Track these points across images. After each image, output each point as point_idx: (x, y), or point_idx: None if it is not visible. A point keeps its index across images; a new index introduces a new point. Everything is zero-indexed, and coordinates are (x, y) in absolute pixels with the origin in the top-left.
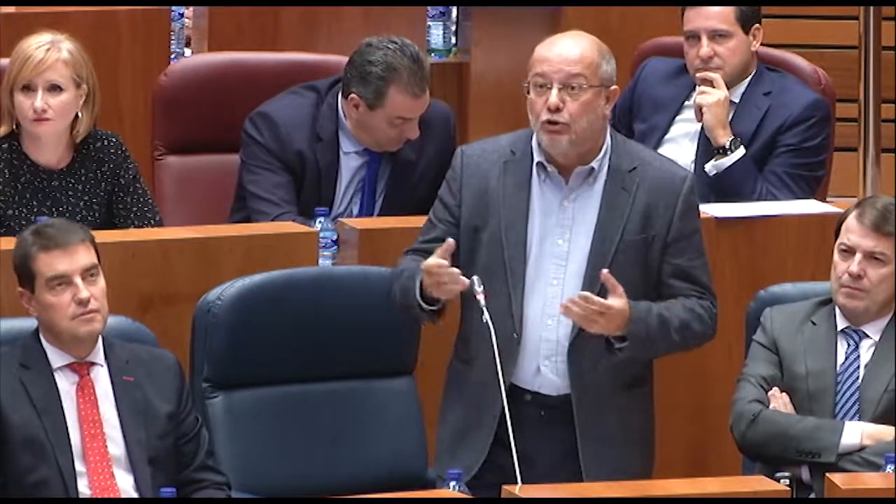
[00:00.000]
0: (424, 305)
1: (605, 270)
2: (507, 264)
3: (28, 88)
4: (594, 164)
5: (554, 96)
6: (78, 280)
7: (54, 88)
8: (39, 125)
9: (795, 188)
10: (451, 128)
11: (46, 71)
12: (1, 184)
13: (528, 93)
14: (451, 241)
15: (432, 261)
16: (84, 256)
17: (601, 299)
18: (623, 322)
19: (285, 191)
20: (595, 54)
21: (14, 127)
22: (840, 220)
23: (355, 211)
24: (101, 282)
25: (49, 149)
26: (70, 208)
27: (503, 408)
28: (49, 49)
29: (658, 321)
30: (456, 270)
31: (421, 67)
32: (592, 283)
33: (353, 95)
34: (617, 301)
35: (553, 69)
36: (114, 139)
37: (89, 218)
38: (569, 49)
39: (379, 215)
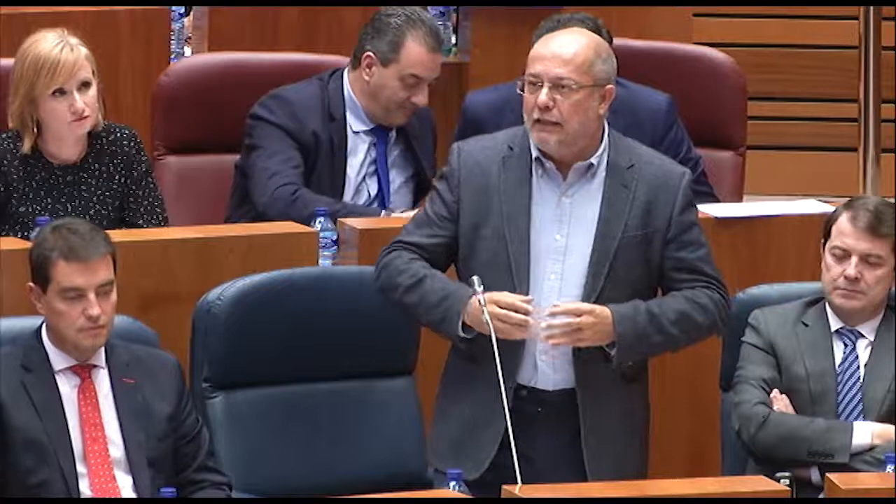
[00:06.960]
0: (463, 335)
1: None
2: (511, 258)
3: (60, 92)
4: (593, 160)
5: (543, 95)
6: (92, 296)
7: (84, 86)
8: (80, 125)
9: (704, 187)
10: (435, 128)
11: (79, 71)
12: (15, 181)
13: (522, 90)
14: (532, 303)
15: (516, 299)
16: (103, 272)
17: (570, 304)
18: (609, 328)
19: (294, 166)
20: (590, 53)
21: (35, 132)
22: (829, 221)
23: (373, 192)
24: (114, 296)
25: (71, 145)
26: (83, 203)
27: (504, 406)
28: (70, 49)
29: (647, 317)
30: (527, 320)
31: (437, 29)
32: (595, 278)
33: (367, 54)
34: (588, 305)
35: (544, 68)
36: (127, 132)
37: (102, 212)
38: (562, 48)
39: (395, 195)
